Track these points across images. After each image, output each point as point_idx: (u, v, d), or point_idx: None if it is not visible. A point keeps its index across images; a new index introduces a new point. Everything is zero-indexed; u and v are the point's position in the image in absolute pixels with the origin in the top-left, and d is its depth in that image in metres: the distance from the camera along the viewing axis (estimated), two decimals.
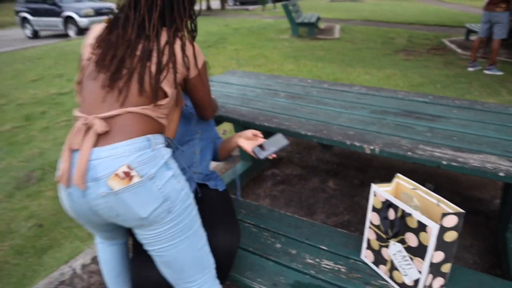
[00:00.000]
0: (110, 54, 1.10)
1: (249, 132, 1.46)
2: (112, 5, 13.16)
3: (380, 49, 7.50)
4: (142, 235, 1.10)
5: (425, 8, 17.26)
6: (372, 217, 1.34)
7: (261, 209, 1.74)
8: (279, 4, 17.60)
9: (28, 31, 13.15)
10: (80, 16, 11.87)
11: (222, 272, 1.36)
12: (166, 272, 1.18)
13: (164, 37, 1.12)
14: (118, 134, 1.04)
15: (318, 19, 9.59)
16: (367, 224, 1.37)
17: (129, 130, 1.05)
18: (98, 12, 12.32)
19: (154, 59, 1.09)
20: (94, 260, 2.10)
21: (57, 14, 12.23)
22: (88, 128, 1.04)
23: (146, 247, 1.14)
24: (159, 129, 1.13)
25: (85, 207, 1.07)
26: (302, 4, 13.91)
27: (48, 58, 8.23)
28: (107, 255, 1.45)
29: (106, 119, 1.05)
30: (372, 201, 1.33)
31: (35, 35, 13.05)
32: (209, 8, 19.23)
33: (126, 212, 1.04)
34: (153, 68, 1.09)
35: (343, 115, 1.83)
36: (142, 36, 1.11)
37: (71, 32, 12.27)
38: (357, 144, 1.52)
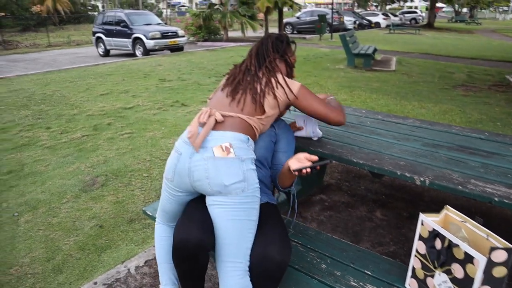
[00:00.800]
0: (232, 77, 1.69)
1: (302, 155, 1.53)
2: (176, 29, 14.02)
3: (438, 83, 7.36)
4: (214, 200, 1.42)
5: (488, 42, 16.67)
6: (418, 246, 1.37)
7: (308, 230, 1.81)
8: (336, 34, 17.78)
9: (100, 50, 14.34)
10: (148, 38, 12.77)
11: (271, 286, 1.44)
12: (216, 240, 1.43)
13: (261, 72, 1.66)
14: (229, 127, 1.50)
15: (375, 50, 9.60)
16: (413, 252, 1.40)
17: (236, 127, 1.51)
18: (164, 35, 13.19)
19: (257, 84, 1.61)
20: (147, 263, 2.25)
21: (127, 35, 13.27)
22: (210, 115, 1.51)
23: (211, 210, 1.43)
24: (253, 136, 1.57)
25: (186, 166, 1.45)
26: (359, 35, 13.95)
27: (116, 75, 8.90)
28: (163, 233, 1.71)
29: (223, 116, 1.52)
30: (419, 230, 1.36)
31: (107, 53, 14.19)
32: None
33: (215, 176, 1.40)
34: (258, 89, 1.59)
35: (395, 146, 1.88)
36: (250, 72, 1.68)
37: (138, 52, 13.20)
38: (407, 174, 1.56)
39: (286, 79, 1.69)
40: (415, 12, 35.58)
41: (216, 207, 1.42)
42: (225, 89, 1.65)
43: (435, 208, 2.76)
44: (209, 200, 1.44)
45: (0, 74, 9.81)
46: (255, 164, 1.66)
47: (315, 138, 2.04)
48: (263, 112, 1.58)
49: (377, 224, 2.60)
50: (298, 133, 2.06)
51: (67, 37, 21.15)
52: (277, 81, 1.64)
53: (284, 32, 1.94)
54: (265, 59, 1.71)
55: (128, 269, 2.20)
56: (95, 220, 2.72)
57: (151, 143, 4.21)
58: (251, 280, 1.42)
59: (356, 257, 1.63)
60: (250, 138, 1.52)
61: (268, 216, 1.58)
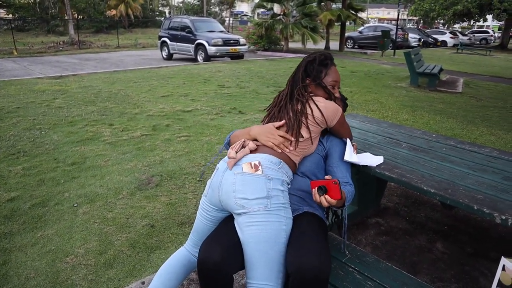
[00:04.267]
0: (270, 109, 1.80)
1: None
2: (238, 37, 14.28)
3: (510, 109, 6.82)
4: (241, 222, 1.45)
5: None
6: None
7: (366, 256, 1.69)
8: (399, 51, 17.21)
9: (164, 53, 14.97)
10: (210, 44, 13.12)
11: None
12: (245, 263, 1.47)
13: (293, 103, 1.69)
14: (262, 150, 1.59)
15: (441, 70, 9.14)
16: None
17: (268, 151, 1.58)
18: (226, 43, 13.48)
19: (292, 115, 1.65)
20: (195, 270, 2.24)
21: (191, 41, 13.74)
22: (244, 146, 1.60)
23: (239, 233, 1.47)
24: (287, 160, 1.59)
25: (219, 180, 1.55)
26: (423, 53, 13.34)
27: (177, 78, 9.20)
28: (180, 258, 1.73)
29: (257, 145, 1.62)
30: (498, 275, 1.21)
31: (170, 57, 14.78)
32: (327, 48, 19.66)
33: (240, 189, 1.46)
34: (294, 122, 1.62)
35: (470, 177, 1.71)
36: (282, 104, 1.75)
37: (200, 58, 13.61)
38: (486, 210, 1.41)
39: (322, 105, 1.66)
40: (487, 32, 33.60)
41: (243, 229, 1.45)
42: (264, 122, 1.77)
43: (507, 247, 2.52)
44: (237, 223, 1.49)
45: (74, 71, 10.54)
46: (302, 175, 1.69)
47: (373, 165, 1.89)
48: (300, 136, 1.62)
49: (438, 257, 2.41)
50: (355, 161, 1.84)
51: (134, 39, 22.35)
52: (311, 109, 1.65)
53: (324, 52, 1.90)
54: (294, 93, 1.73)
55: None
56: (147, 219, 2.77)
57: (206, 148, 4.26)
58: None
59: None
60: (283, 162, 1.56)
61: (305, 224, 1.53)
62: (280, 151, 1.58)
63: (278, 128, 1.65)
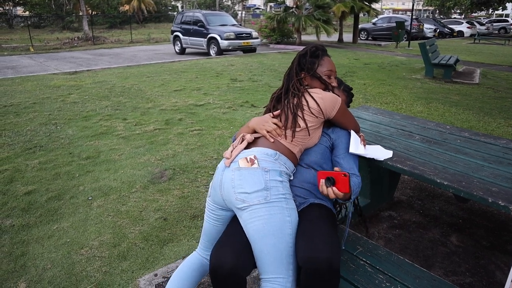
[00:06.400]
0: (267, 107, 1.79)
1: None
2: (250, 31, 14.22)
3: None
4: (245, 219, 1.45)
5: None
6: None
7: (378, 249, 1.68)
8: (414, 42, 16.90)
9: (177, 48, 15.02)
10: (222, 38, 13.11)
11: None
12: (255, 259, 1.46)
13: (288, 97, 1.69)
14: (258, 144, 1.62)
15: (457, 61, 8.95)
16: None
17: (264, 144, 1.61)
18: (238, 36, 13.45)
19: (288, 108, 1.65)
20: (207, 274, 2.25)
21: (203, 35, 13.74)
22: (242, 139, 1.64)
23: (245, 230, 1.46)
24: (286, 152, 1.60)
25: (219, 178, 1.57)
26: (439, 43, 13.06)
27: (190, 72, 9.23)
28: (193, 264, 1.72)
29: (255, 137, 1.64)
30: None
31: (182, 51, 14.83)
32: (341, 41, 19.43)
33: (238, 184, 1.47)
34: (285, 117, 1.64)
35: (485, 169, 1.68)
36: (277, 98, 1.77)
37: (212, 52, 13.61)
38: (501, 203, 1.38)
39: (318, 96, 1.65)
40: (506, 21, 32.68)
41: (247, 226, 1.45)
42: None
43: None
44: (241, 220, 1.48)
45: (88, 67, 10.66)
46: (307, 167, 1.69)
47: (380, 159, 1.85)
48: (297, 126, 1.63)
49: (452, 251, 2.38)
50: (361, 153, 1.80)
51: (147, 34, 22.47)
52: (306, 101, 1.64)
53: (316, 44, 1.90)
54: (290, 87, 1.73)
55: None
56: (160, 213, 2.80)
57: (219, 142, 4.27)
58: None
59: (430, 286, 1.48)
60: (279, 153, 1.57)
61: (314, 215, 1.53)
62: (272, 140, 1.60)
63: (275, 117, 1.67)
